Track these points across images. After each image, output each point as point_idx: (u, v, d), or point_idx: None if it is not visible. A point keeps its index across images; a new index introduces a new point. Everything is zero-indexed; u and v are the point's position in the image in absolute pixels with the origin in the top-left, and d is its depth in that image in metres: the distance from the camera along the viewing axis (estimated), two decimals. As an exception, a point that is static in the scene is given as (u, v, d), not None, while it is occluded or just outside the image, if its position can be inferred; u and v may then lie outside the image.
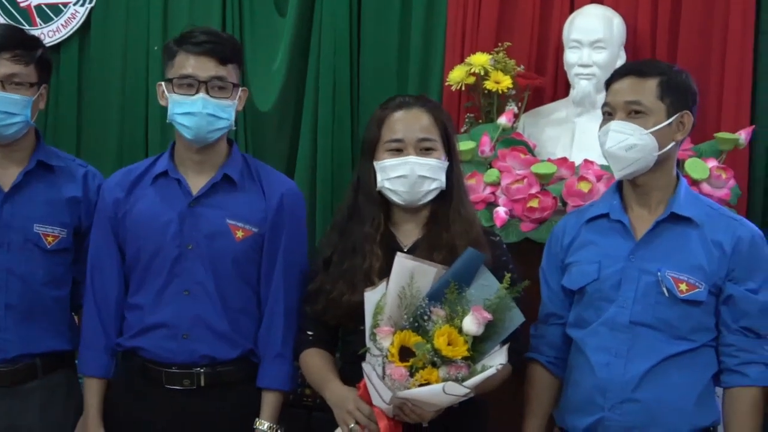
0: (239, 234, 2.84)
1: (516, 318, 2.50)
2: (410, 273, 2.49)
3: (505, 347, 2.47)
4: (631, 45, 3.87)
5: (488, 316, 2.44)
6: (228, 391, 2.86)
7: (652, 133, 2.61)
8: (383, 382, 2.44)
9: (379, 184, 2.70)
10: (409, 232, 2.74)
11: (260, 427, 2.85)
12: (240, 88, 2.89)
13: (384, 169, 2.69)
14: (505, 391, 2.75)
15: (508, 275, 2.52)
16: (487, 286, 2.51)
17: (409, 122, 2.70)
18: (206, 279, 2.83)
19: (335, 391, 2.65)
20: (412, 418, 2.48)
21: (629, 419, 2.60)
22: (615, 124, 2.63)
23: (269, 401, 2.87)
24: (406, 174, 2.67)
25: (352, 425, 2.55)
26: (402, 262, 2.51)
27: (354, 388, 2.59)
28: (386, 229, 2.73)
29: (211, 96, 2.78)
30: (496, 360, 2.44)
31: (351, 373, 2.63)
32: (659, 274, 2.62)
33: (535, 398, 2.82)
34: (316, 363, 2.76)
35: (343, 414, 2.58)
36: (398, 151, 2.69)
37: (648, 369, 2.60)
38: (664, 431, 2.60)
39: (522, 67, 3.92)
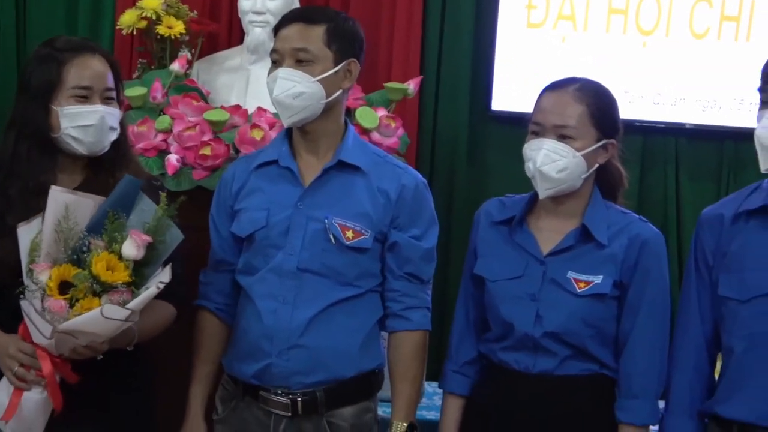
0: None
1: (175, 236, 2.47)
2: (65, 206, 2.40)
3: (168, 267, 2.42)
4: (305, -6, 3.90)
5: (147, 238, 2.39)
6: None
7: (319, 80, 2.61)
8: (42, 316, 2.34)
9: (62, 131, 2.55)
10: (67, 179, 2.61)
11: None
12: None
13: (71, 116, 2.54)
14: (176, 339, 2.71)
15: (163, 195, 2.47)
16: (146, 210, 2.46)
17: (95, 69, 2.58)
18: None
19: None
20: (83, 353, 2.40)
21: (295, 365, 2.61)
22: (282, 72, 2.61)
23: None
24: (95, 123, 2.55)
25: (16, 368, 2.43)
26: (56, 196, 2.41)
27: (15, 335, 2.47)
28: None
29: None
30: (158, 279, 2.40)
31: (11, 327, 2.49)
32: (326, 221, 2.63)
33: (204, 346, 2.79)
34: None
35: (4, 360, 2.45)
36: (84, 99, 2.56)
37: (314, 315, 2.62)
38: (329, 375, 2.64)
39: (195, 12, 3.88)
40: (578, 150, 2.54)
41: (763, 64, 2.47)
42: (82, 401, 2.50)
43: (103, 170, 2.62)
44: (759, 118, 2.43)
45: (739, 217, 2.53)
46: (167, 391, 2.74)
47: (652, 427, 2.64)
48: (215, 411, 2.78)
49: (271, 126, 3.39)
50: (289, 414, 2.65)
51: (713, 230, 2.57)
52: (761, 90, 2.43)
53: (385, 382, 2.78)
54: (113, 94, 2.61)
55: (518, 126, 2.66)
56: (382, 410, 2.83)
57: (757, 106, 2.46)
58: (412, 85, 3.72)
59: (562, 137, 2.54)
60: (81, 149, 2.57)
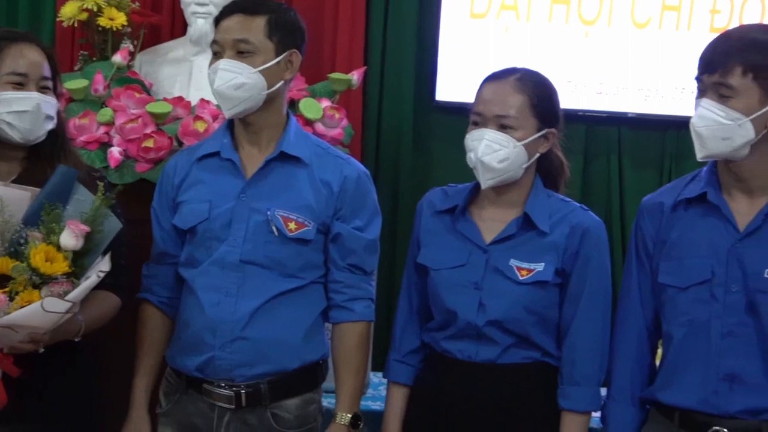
0: None
1: (114, 225, 2.46)
2: None
3: (107, 256, 2.41)
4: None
5: (84, 227, 2.38)
6: None
7: (260, 71, 2.60)
8: None
9: None
10: (5, 170, 2.59)
11: None
12: None
13: (6, 102, 2.53)
14: (121, 333, 2.71)
15: (101, 184, 2.47)
16: (83, 200, 2.45)
17: (31, 58, 2.57)
18: None
19: None
20: (24, 348, 2.38)
21: (239, 357, 2.61)
22: (223, 63, 2.61)
23: None
24: (31, 109, 2.53)
25: None
26: None
27: None
28: None
29: None
30: (98, 269, 2.39)
31: None
32: (269, 213, 2.63)
33: (147, 339, 2.78)
34: None
35: None
36: (20, 85, 2.55)
37: (257, 307, 2.61)
38: (273, 367, 2.64)
39: (137, 4, 3.85)
40: (519, 140, 2.56)
41: (702, 53, 2.50)
42: (25, 395, 2.47)
43: (41, 162, 2.60)
44: (695, 107, 2.45)
45: (679, 205, 2.56)
46: (112, 384, 2.72)
47: (594, 414, 2.66)
48: (159, 404, 2.77)
49: (215, 118, 3.38)
50: (233, 406, 2.65)
51: (653, 218, 2.59)
52: (698, 79, 2.46)
53: (330, 373, 2.78)
54: (49, 84, 2.60)
55: (463, 116, 2.67)
56: (327, 401, 2.83)
57: None
58: (355, 76, 3.71)
59: (503, 127, 2.56)
60: (16, 136, 2.55)
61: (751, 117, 2.37)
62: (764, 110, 2.38)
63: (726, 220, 2.48)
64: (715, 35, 2.51)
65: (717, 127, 2.39)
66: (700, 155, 2.46)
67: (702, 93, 2.44)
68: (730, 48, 2.39)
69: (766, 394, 2.42)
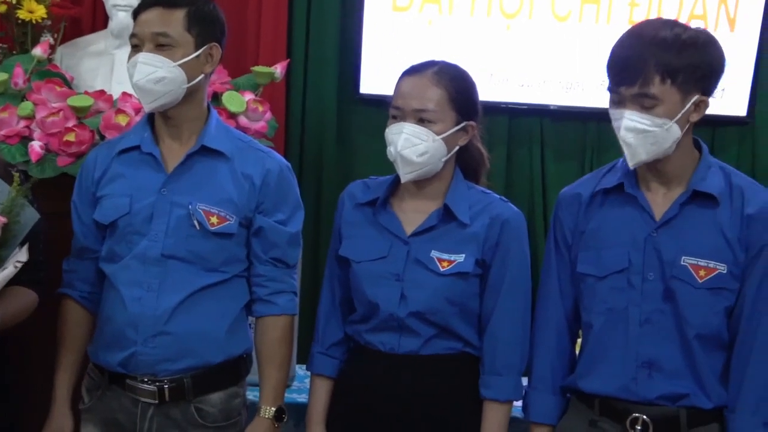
0: None
1: (31, 215, 2.44)
2: None
3: (25, 247, 2.40)
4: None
5: (1, 218, 2.36)
6: None
7: (180, 65, 2.59)
8: None
9: None
10: None
11: None
12: None
13: None
14: (44, 327, 2.69)
15: (16, 174, 2.44)
16: None
17: None
18: None
19: None
20: None
21: (161, 352, 2.60)
22: (142, 56, 2.59)
23: None
24: None
25: None
26: None
27: None
28: None
29: None
30: (15, 259, 2.37)
31: None
32: (190, 207, 2.62)
33: (68, 334, 2.75)
34: None
35: None
36: None
37: (179, 302, 2.61)
38: (196, 361, 2.63)
39: (56, -4, 3.81)
40: (438, 133, 2.58)
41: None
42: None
43: None
44: (616, 118, 2.44)
45: (596, 196, 2.59)
46: (34, 381, 2.71)
47: (515, 403, 2.69)
48: (81, 400, 2.75)
49: (137, 111, 3.35)
50: (156, 401, 2.64)
51: (571, 209, 2.63)
52: (614, 90, 2.45)
53: (254, 366, 2.78)
54: None
55: (386, 109, 2.68)
56: (252, 395, 2.83)
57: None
58: (279, 69, 3.71)
59: (422, 121, 2.57)
60: None
61: (676, 119, 2.40)
62: (686, 108, 2.41)
63: (643, 209, 2.51)
64: (633, 28, 2.52)
65: (645, 135, 2.40)
66: (632, 163, 2.46)
67: (620, 104, 2.43)
68: (643, 54, 2.38)
69: (684, 381, 2.47)
